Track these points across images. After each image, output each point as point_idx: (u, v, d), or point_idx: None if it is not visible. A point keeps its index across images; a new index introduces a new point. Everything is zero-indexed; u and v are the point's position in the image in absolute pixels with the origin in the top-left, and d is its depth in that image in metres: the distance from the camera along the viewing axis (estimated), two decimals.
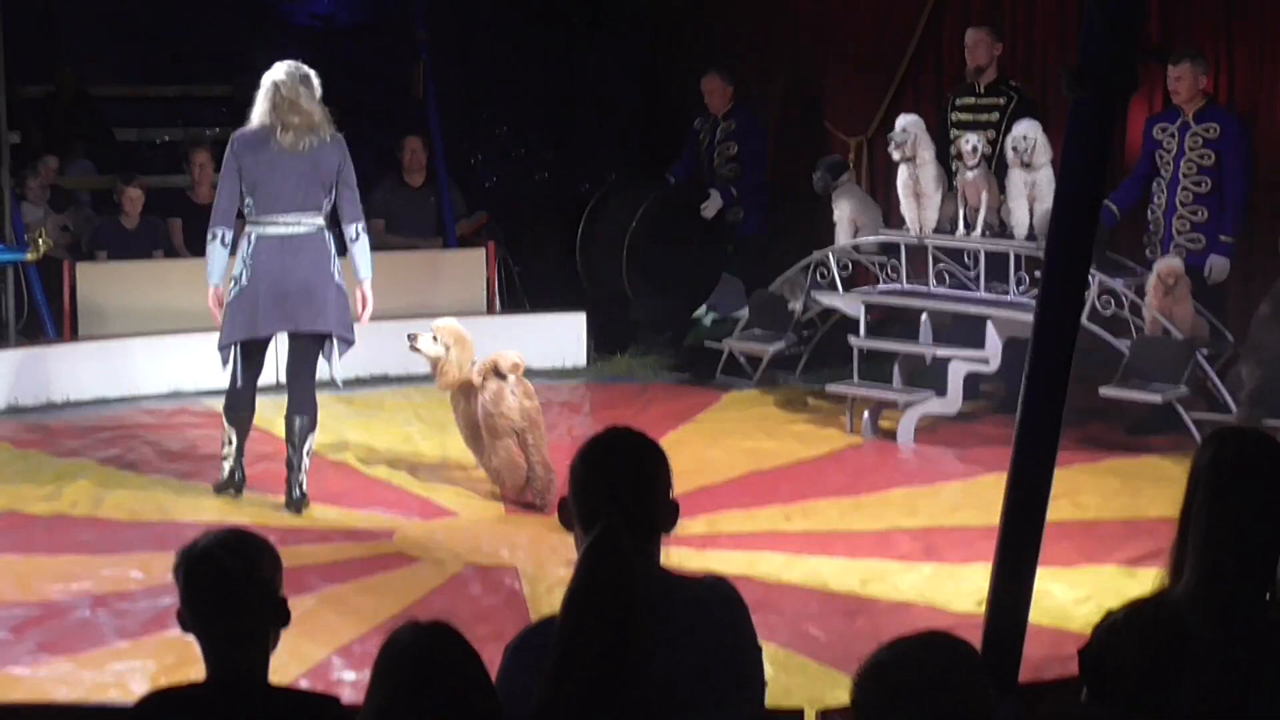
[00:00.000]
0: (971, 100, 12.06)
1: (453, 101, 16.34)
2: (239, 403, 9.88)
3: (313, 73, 9.69)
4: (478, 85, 18.43)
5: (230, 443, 9.99)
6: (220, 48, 18.44)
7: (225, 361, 9.74)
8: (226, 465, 10.04)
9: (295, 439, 9.76)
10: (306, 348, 9.80)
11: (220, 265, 9.69)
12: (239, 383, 9.76)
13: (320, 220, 9.66)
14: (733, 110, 14.02)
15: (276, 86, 9.54)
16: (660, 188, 13.94)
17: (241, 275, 9.56)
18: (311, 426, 9.82)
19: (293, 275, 9.54)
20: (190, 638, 4.10)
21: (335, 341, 9.72)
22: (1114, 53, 4.45)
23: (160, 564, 8.44)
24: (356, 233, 9.77)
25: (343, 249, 9.88)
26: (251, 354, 9.78)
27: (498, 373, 9.92)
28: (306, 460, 9.80)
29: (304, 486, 9.79)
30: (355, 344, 9.89)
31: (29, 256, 13.03)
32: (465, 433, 10.25)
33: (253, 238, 9.58)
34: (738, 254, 14.29)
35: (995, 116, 11.87)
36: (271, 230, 9.56)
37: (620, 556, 3.71)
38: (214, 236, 9.66)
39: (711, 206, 13.69)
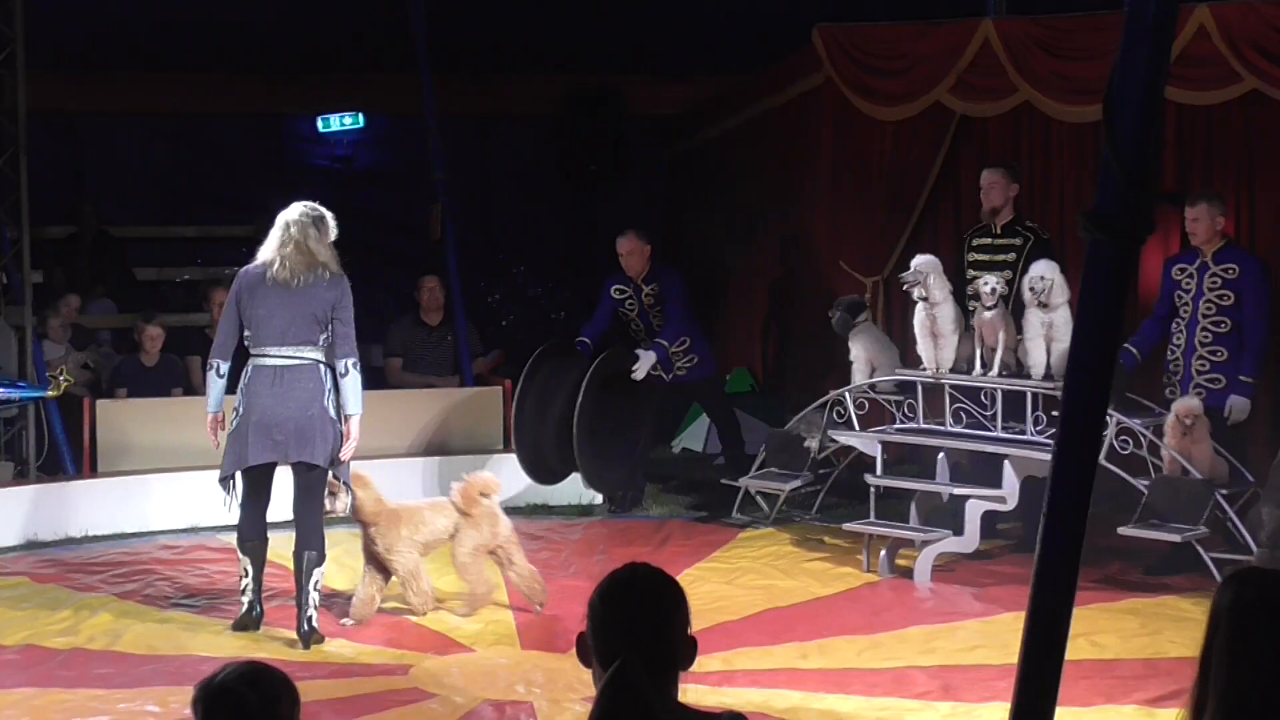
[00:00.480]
0: (988, 241, 12.10)
1: (470, 242, 16.46)
2: (250, 533, 9.93)
3: (328, 214, 9.85)
4: (495, 226, 18.58)
5: (247, 574, 10.00)
6: (240, 189, 18.63)
7: (226, 492, 9.92)
8: (245, 599, 10.05)
9: (303, 574, 9.80)
10: (307, 481, 9.86)
11: (217, 395, 9.92)
12: (246, 513, 9.90)
13: (316, 354, 9.76)
14: (652, 271, 13.61)
15: (288, 225, 9.75)
16: (590, 363, 12.85)
17: (240, 405, 9.71)
18: (319, 560, 9.84)
19: (284, 406, 9.66)
20: None
21: (333, 471, 9.83)
22: (1130, 197, 4.47)
23: (177, 698, 8.47)
24: (346, 368, 9.81)
25: None
26: (255, 484, 9.87)
27: (484, 495, 10.28)
28: (315, 594, 9.82)
29: (314, 620, 9.79)
30: (348, 468, 9.99)
31: (50, 393, 13.07)
32: (382, 559, 10.33)
33: (249, 369, 9.76)
34: (705, 397, 14.22)
35: (1012, 257, 11.90)
36: (266, 362, 9.71)
37: (638, 694, 3.71)
38: (211, 367, 9.94)
39: (643, 367, 13.05)
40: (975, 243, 12.18)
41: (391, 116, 18.34)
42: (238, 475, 9.85)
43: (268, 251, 9.78)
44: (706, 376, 13.97)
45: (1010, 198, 12.07)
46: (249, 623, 10.03)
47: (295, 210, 9.81)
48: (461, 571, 10.45)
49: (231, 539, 11.38)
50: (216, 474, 10.65)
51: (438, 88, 15.28)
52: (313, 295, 9.71)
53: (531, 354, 13.00)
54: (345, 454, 9.84)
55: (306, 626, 9.77)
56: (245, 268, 9.93)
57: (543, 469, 12.96)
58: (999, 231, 12.06)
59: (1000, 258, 11.94)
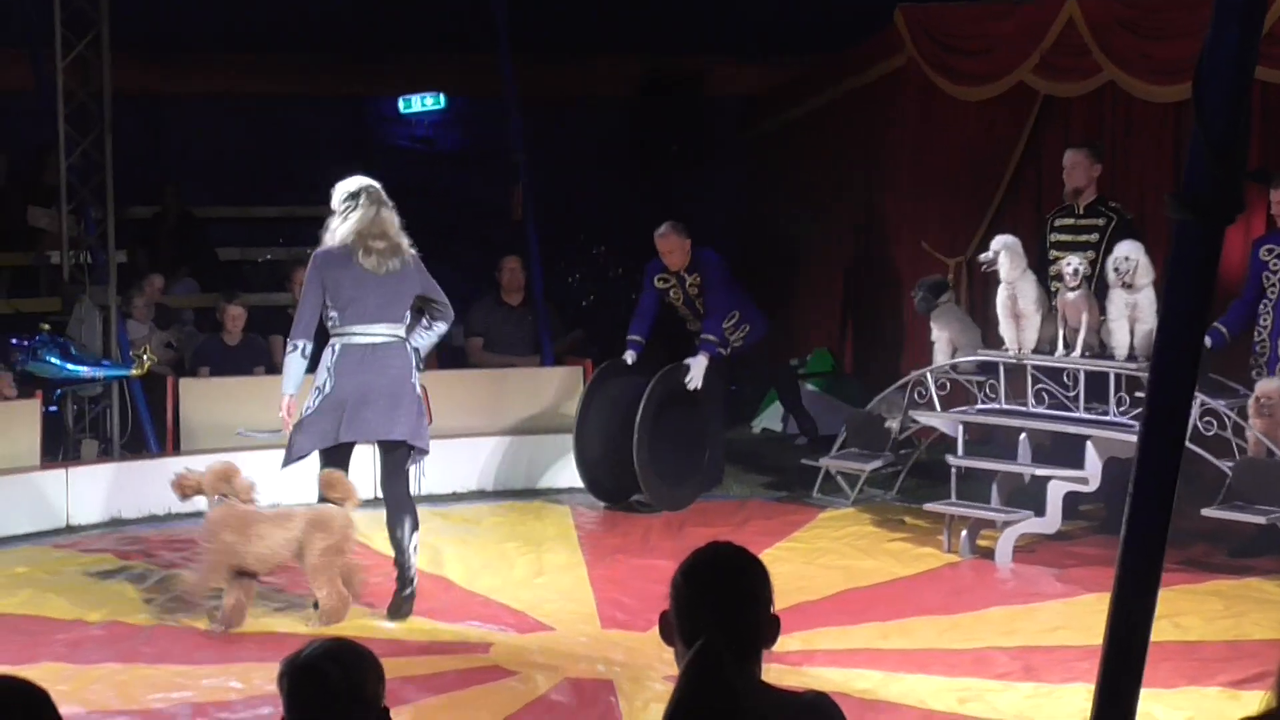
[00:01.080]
0: (1071, 221, 12.02)
1: (551, 223, 16.48)
2: None
3: (381, 189, 9.95)
4: (575, 208, 18.60)
5: None
6: (321, 170, 18.67)
7: (285, 465, 9.91)
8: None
9: (402, 541, 9.85)
10: (394, 457, 9.93)
11: (297, 375, 9.90)
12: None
13: (401, 331, 9.85)
14: (693, 261, 13.40)
15: (362, 209, 9.81)
16: (645, 386, 12.77)
17: (325, 384, 9.73)
18: (414, 527, 9.88)
19: (375, 383, 9.71)
20: None
21: (411, 451, 9.89)
22: (1219, 176, 4.44)
23: (259, 674, 8.54)
24: (431, 323, 10.03)
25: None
26: (336, 463, 9.88)
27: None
28: (414, 559, 9.89)
29: (415, 584, 9.87)
30: (429, 453, 10.05)
31: (134, 372, 13.20)
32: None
33: (337, 347, 9.77)
34: (754, 364, 14.07)
35: (1095, 237, 11.83)
36: (355, 341, 9.73)
37: (721, 673, 3.71)
38: (295, 348, 9.89)
39: (696, 376, 12.87)
40: (1058, 223, 12.11)
41: (472, 98, 18.39)
42: (315, 455, 9.87)
43: (346, 233, 9.83)
44: (760, 339, 13.78)
45: (1093, 178, 11.99)
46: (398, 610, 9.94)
47: (362, 190, 9.88)
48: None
49: None
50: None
51: (517, 69, 15.31)
52: (402, 280, 9.81)
53: (607, 339, 12.96)
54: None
55: (408, 590, 9.85)
56: (324, 249, 9.92)
57: (600, 491, 12.99)
58: (1082, 212, 11.98)
59: (1083, 238, 11.88)
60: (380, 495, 10.15)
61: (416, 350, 9.94)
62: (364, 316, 9.74)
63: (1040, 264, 11.86)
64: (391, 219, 9.88)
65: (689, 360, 12.99)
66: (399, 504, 9.92)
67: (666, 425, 12.76)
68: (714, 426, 13.31)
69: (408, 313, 9.89)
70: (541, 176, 16.05)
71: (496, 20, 15.22)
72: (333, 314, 9.79)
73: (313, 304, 9.84)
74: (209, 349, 13.99)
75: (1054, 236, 12.04)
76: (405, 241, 9.91)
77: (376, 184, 9.97)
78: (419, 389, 9.88)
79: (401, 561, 9.85)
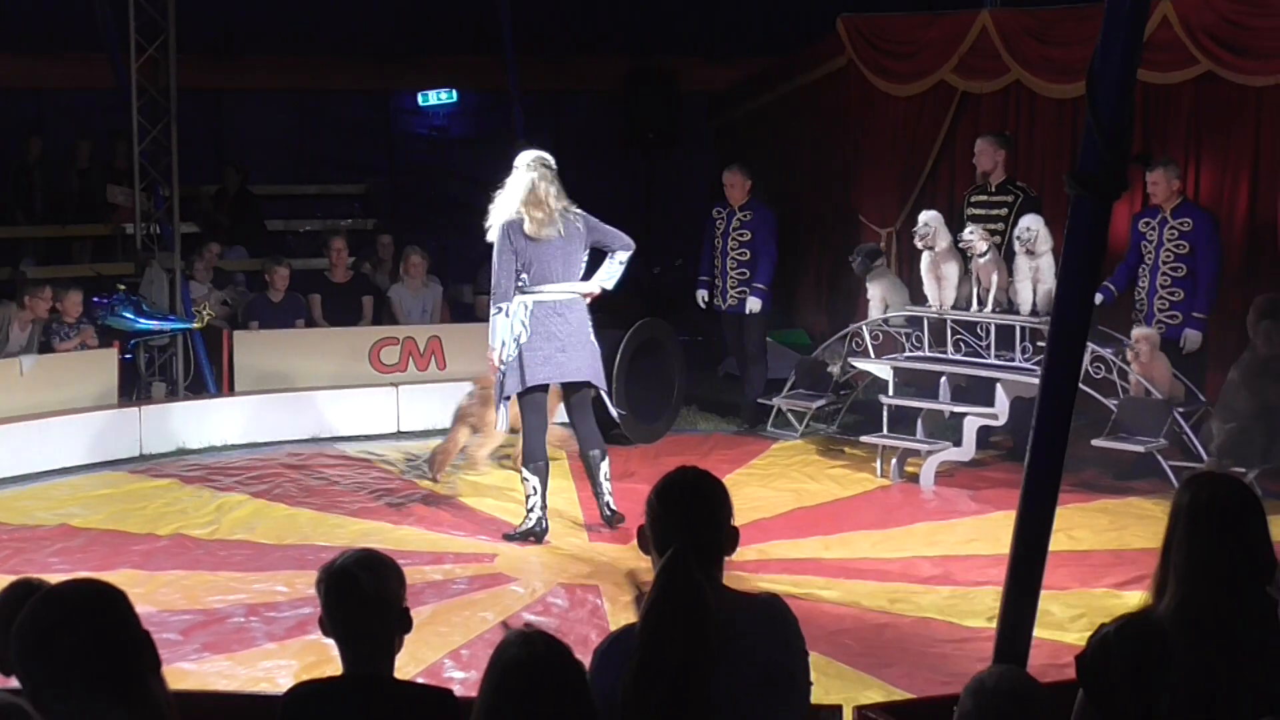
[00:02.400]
0: (985, 198, 12.01)
1: None
2: (538, 454, 9.73)
3: (552, 160, 9.68)
4: (568, 184, 18.54)
5: (535, 492, 9.73)
6: (353, 153, 18.67)
7: (500, 402, 9.77)
8: (533, 516, 9.75)
9: (593, 470, 9.86)
10: (581, 396, 9.85)
11: (502, 332, 9.59)
12: (536, 436, 9.73)
13: (579, 288, 9.67)
14: (749, 202, 13.35)
15: (520, 182, 9.55)
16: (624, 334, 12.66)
17: (520, 335, 9.55)
18: (602, 456, 9.82)
19: (559, 335, 9.57)
20: (329, 641, 4.11)
21: (600, 389, 9.85)
22: (1108, 160, 4.45)
23: (302, 580, 8.54)
24: (615, 255, 9.80)
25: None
26: (536, 406, 9.71)
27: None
28: (607, 484, 9.85)
29: (612, 505, 9.85)
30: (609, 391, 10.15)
31: (195, 325, 13.20)
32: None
33: (528, 305, 9.54)
34: (756, 330, 13.54)
35: (1005, 212, 11.82)
36: (544, 298, 9.55)
37: (689, 576, 3.72)
38: (499, 310, 9.59)
39: (753, 308, 13.03)
40: (973, 199, 12.09)
41: (480, 92, 18.32)
42: (515, 397, 9.68)
43: (515, 204, 9.54)
44: (764, 315, 13.43)
45: (998, 161, 11.96)
46: (538, 534, 9.75)
47: (534, 167, 9.58)
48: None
49: (346, 447, 11.49)
50: (331, 394, 10.61)
51: (518, 67, 15.22)
52: (567, 239, 9.58)
53: (596, 301, 12.90)
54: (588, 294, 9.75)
55: (608, 510, 9.85)
56: (507, 220, 9.55)
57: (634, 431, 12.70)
58: (994, 190, 11.97)
59: (995, 212, 11.87)
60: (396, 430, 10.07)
61: (610, 256, 9.79)
62: (545, 277, 9.55)
63: (958, 233, 11.84)
64: (546, 189, 9.54)
65: (748, 299, 13.05)
66: (586, 437, 9.86)
67: (640, 370, 12.74)
68: (677, 391, 13.22)
69: (582, 269, 9.67)
70: None
71: (502, 26, 15.13)
72: (523, 276, 9.55)
73: (507, 269, 9.57)
74: (258, 306, 13.93)
75: (970, 211, 12.02)
76: (562, 206, 9.58)
77: (543, 155, 9.69)
78: (593, 339, 9.73)
79: (597, 489, 9.86)
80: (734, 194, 13.38)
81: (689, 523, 3.93)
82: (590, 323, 9.76)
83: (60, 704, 3.18)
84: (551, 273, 9.56)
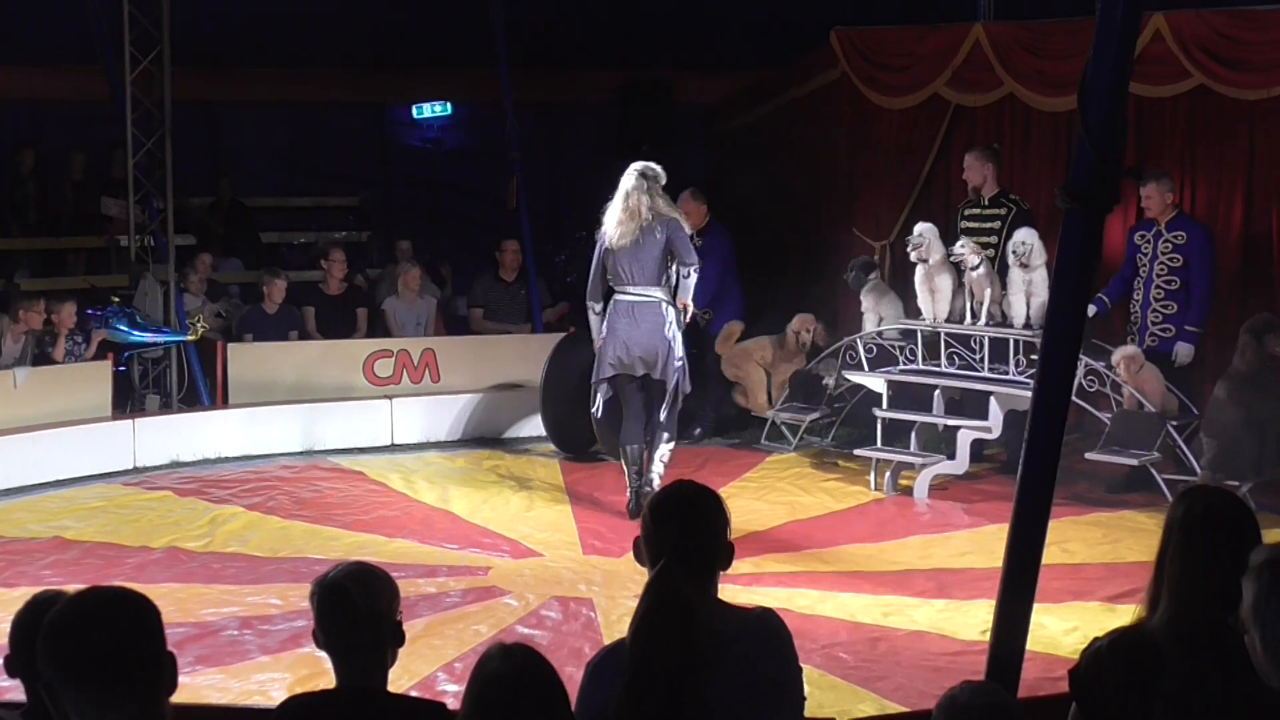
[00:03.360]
0: (978, 211, 12.03)
1: (541, 211, 16.42)
2: (628, 437, 10.68)
3: (657, 168, 10.62)
4: (562, 198, 18.57)
5: (634, 464, 10.64)
6: (348, 166, 18.67)
7: (599, 395, 10.78)
8: (631, 488, 10.64)
9: (654, 453, 10.61)
10: (652, 391, 10.66)
11: (596, 327, 10.76)
12: (626, 422, 10.72)
13: (658, 292, 10.53)
14: (706, 227, 13.31)
15: (626, 195, 10.49)
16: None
17: (604, 329, 10.62)
18: (666, 442, 10.62)
19: (634, 332, 10.51)
20: (322, 654, 4.11)
21: (670, 385, 10.57)
22: (1101, 173, 4.45)
23: (296, 593, 8.52)
24: (688, 273, 10.55)
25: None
26: (622, 385, 10.67)
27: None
28: (660, 466, 10.55)
29: (653, 484, 10.40)
30: (689, 390, 10.83)
31: (189, 338, 13.20)
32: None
33: (613, 303, 10.61)
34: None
35: (998, 224, 11.84)
36: (623, 298, 10.56)
37: (676, 590, 3.70)
38: (591, 309, 10.81)
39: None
40: (967, 212, 12.12)
41: (474, 105, 18.32)
42: (604, 385, 10.72)
43: (611, 219, 10.52)
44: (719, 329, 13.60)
45: (988, 175, 12.00)
46: (631, 511, 10.55)
47: (631, 177, 10.52)
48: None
49: (340, 460, 11.51)
50: (325, 406, 10.77)
51: (514, 81, 15.24)
52: (650, 246, 10.45)
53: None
54: (687, 314, 10.73)
55: (648, 487, 10.35)
56: (602, 230, 10.62)
57: (565, 443, 12.82)
58: (987, 203, 12.00)
59: (988, 225, 11.90)
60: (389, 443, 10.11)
61: (672, 304, 10.58)
62: (625, 281, 10.54)
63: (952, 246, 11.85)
64: (639, 199, 10.46)
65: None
66: (655, 427, 10.62)
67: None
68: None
69: (664, 275, 10.56)
70: (533, 172, 16.00)
71: (496, 39, 15.13)
72: (609, 277, 10.58)
73: (596, 272, 10.71)
74: (252, 318, 13.94)
75: (963, 224, 12.04)
76: (660, 206, 10.51)
77: (647, 165, 10.60)
78: (671, 339, 10.51)
79: (654, 470, 10.52)
80: (691, 221, 12.88)
81: (682, 537, 3.91)
82: (669, 323, 10.51)
83: (73, 701, 3.14)
84: (626, 276, 10.52)
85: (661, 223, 10.44)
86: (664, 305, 10.51)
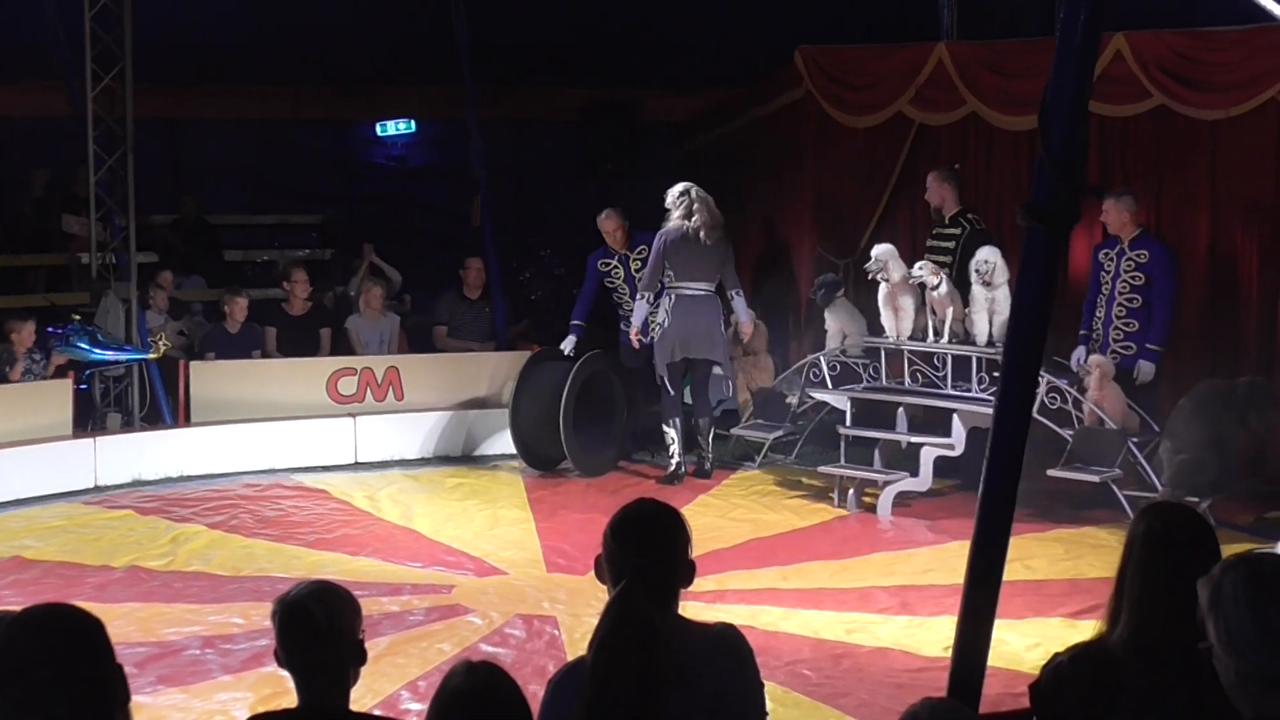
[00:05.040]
0: (939, 229, 12.13)
1: (505, 228, 16.40)
2: (675, 412, 12.29)
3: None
4: (527, 216, 18.55)
5: (674, 441, 12.27)
6: (312, 184, 18.63)
7: (664, 375, 12.31)
8: (673, 462, 12.29)
9: (702, 431, 12.41)
10: (704, 372, 12.40)
11: (642, 315, 12.42)
12: (671, 393, 12.30)
13: (711, 288, 12.28)
14: (634, 239, 13.10)
15: (695, 200, 12.16)
16: (571, 368, 12.71)
17: (665, 321, 12.21)
18: (711, 422, 12.50)
19: (696, 321, 12.19)
20: (284, 673, 4.09)
21: (723, 369, 12.42)
22: (1061, 192, 4.47)
23: (258, 612, 8.49)
24: (737, 294, 12.51)
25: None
26: (677, 373, 12.32)
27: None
28: (710, 444, 12.42)
29: (711, 461, 12.48)
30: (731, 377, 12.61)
31: (151, 356, 13.15)
32: None
33: (674, 296, 12.21)
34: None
35: (952, 244, 11.94)
36: (685, 292, 12.20)
37: (637, 609, 3.69)
38: (643, 297, 12.40)
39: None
40: (932, 232, 12.22)
41: (439, 122, 18.30)
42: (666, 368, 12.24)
43: (680, 217, 12.15)
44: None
45: (946, 196, 12.08)
46: (679, 477, 12.27)
47: (692, 190, 12.21)
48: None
49: (303, 479, 11.48)
50: (288, 425, 10.80)
51: (480, 98, 15.24)
52: (715, 248, 12.22)
53: (552, 327, 12.99)
54: (747, 333, 12.78)
55: (708, 465, 12.44)
56: (665, 229, 12.23)
57: (533, 460, 12.87)
58: (947, 222, 12.08)
59: (945, 244, 12.00)
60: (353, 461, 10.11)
61: (726, 301, 12.47)
62: (691, 276, 12.16)
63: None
64: (714, 209, 12.27)
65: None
66: (701, 406, 12.46)
67: (588, 403, 12.71)
68: (621, 420, 13.22)
69: (717, 275, 12.28)
70: (498, 189, 16.00)
71: (461, 57, 15.12)
72: (669, 273, 12.17)
73: (656, 267, 12.27)
74: (215, 336, 13.90)
75: (929, 243, 12.13)
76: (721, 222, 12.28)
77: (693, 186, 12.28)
78: (722, 327, 12.39)
79: (701, 448, 12.42)
80: (618, 239, 13.17)
81: (643, 555, 3.91)
82: (720, 314, 12.36)
83: None
84: (692, 272, 12.16)
85: (726, 237, 12.33)
86: (714, 299, 12.27)
